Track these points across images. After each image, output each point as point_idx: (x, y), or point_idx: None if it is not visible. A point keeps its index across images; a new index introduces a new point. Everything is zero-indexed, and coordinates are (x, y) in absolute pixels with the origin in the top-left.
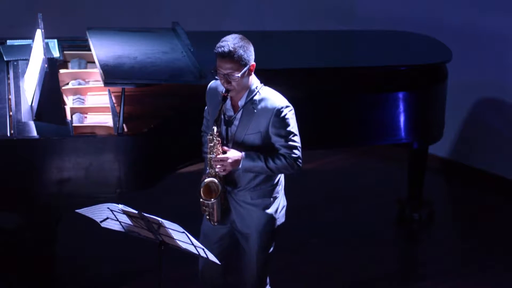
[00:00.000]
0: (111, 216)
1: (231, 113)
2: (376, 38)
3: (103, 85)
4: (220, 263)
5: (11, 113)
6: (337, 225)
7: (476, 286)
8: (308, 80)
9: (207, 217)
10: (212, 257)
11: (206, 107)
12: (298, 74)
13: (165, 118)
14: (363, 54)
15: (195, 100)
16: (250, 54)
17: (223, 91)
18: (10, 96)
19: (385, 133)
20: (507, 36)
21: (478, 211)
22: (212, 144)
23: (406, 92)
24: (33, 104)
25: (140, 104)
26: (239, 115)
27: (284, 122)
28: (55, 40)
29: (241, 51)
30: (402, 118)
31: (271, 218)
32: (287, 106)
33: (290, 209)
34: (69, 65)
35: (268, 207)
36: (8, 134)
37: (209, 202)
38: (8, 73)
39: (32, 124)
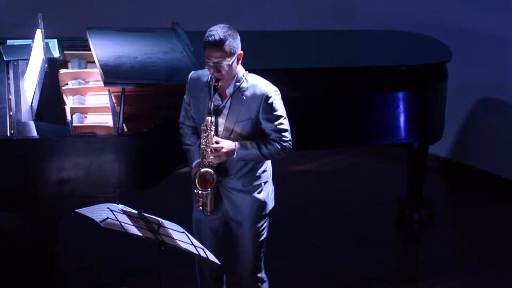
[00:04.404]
0: (111, 216)
1: (218, 102)
2: (376, 38)
3: (103, 85)
4: (220, 263)
5: (11, 113)
6: (337, 225)
7: (476, 286)
8: (308, 80)
9: (200, 207)
10: (212, 257)
11: (184, 97)
12: (298, 74)
13: (165, 118)
14: (363, 54)
15: None
16: (238, 42)
17: (213, 81)
18: (10, 96)
19: (385, 133)
20: (507, 36)
21: (478, 211)
22: (206, 135)
23: (406, 92)
24: (33, 104)
25: (140, 104)
26: (228, 103)
27: (273, 107)
28: (55, 40)
29: (230, 39)
30: (402, 118)
31: (263, 203)
32: (275, 91)
33: (289, 209)
34: (69, 65)
35: (259, 193)
36: (8, 134)
37: (205, 192)
38: (8, 73)
39: (32, 124)
